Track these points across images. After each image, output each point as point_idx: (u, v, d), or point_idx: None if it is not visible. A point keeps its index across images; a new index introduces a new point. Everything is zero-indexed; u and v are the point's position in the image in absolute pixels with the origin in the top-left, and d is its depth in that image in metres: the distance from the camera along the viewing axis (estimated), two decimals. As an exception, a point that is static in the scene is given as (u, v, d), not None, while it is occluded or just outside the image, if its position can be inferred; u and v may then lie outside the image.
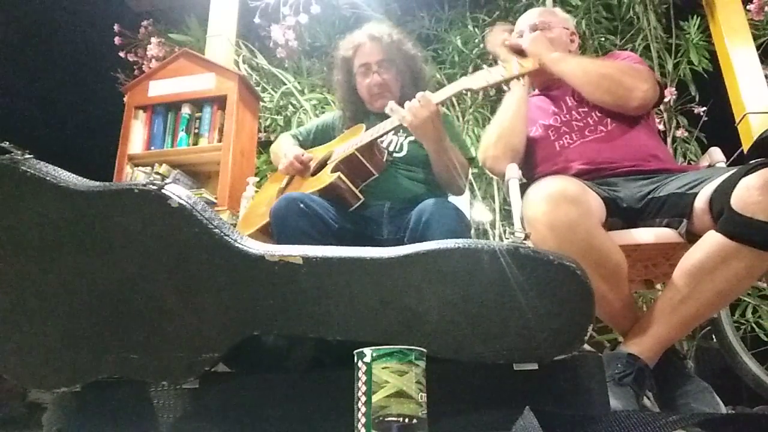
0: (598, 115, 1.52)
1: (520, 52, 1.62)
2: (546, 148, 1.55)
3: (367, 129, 1.66)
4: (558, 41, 1.65)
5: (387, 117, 1.77)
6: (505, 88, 1.45)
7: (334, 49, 1.90)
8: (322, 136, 1.85)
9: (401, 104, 1.75)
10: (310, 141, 1.86)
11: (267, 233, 1.56)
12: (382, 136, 1.58)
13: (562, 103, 1.59)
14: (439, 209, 1.38)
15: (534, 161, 1.57)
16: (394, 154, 1.68)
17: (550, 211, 1.15)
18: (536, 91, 1.74)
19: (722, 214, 1.09)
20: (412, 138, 1.71)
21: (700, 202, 1.18)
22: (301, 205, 1.41)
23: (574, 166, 1.44)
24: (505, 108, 1.60)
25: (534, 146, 1.58)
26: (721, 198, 1.10)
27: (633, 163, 1.40)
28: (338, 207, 1.52)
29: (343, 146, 1.64)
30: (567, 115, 1.56)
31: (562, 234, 1.13)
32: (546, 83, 1.69)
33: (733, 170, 1.13)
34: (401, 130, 1.67)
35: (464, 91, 1.47)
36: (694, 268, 1.11)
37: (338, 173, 1.53)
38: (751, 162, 1.10)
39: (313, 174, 1.66)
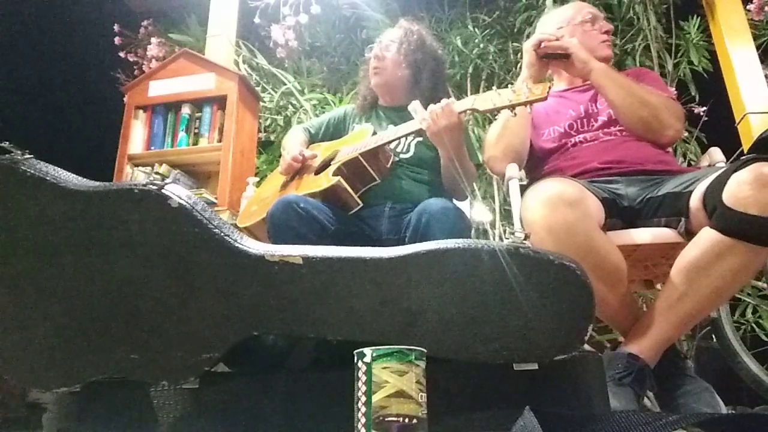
0: (614, 124, 1.50)
1: (555, 55, 1.54)
2: (558, 150, 1.54)
3: (372, 125, 1.65)
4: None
5: (392, 111, 1.78)
6: (510, 113, 1.39)
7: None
8: (334, 129, 1.86)
9: (391, 88, 1.77)
10: (320, 135, 1.87)
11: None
12: (388, 143, 1.58)
13: (582, 106, 1.57)
14: (440, 209, 1.38)
15: (545, 163, 1.55)
16: (401, 155, 1.68)
17: (548, 214, 1.15)
18: (560, 90, 1.69)
19: (716, 211, 1.09)
20: (420, 139, 1.71)
21: (695, 199, 1.19)
22: (297, 208, 1.41)
23: (582, 166, 1.43)
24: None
25: (547, 149, 1.56)
26: (713, 194, 1.11)
27: (640, 163, 1.40)
28: (336, 209, 1.52)
29: (349, 147, 1.63)
30: (584, 120, 1.54)
31: (561, 237, 1.13)
32: (574, 81, 1.66)
33: (725, 167, 1.13)
34: (409, 136, 1.67)
35: (469, 111, 1.44)
36: (689, 266, 1.11)
37: (339, 177, 1.52)
38: (742, 158, 1.11)
39: (317, 172, 1.66)
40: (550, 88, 1.33)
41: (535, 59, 1.54)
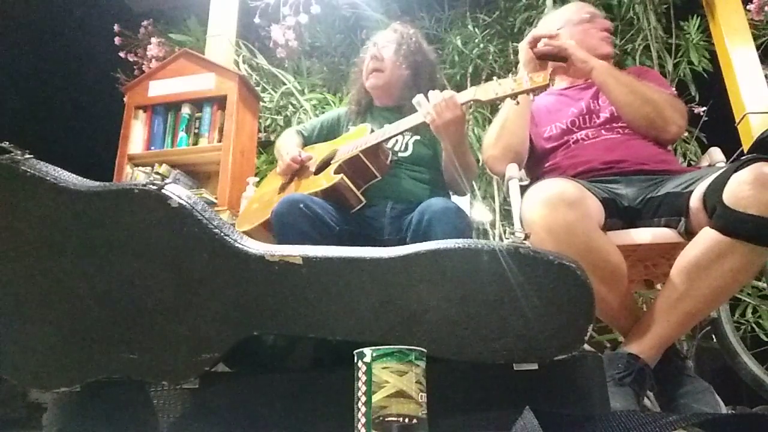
0: (616, 122, 1.50)
1: (549, 57, 1.53)
2: (559, 147, 1.54)
3: (369, 124, 1.65)
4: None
5: (388, 111, 1.78)
6: (512, 101, 1.39)
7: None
8: (328, 132, 1.86)
9: (389, 89, 1.76)
10: (314, 137, 1.86)
11: (268, 228, 1.56)
12: (388, 139, 1.58)
13: (583, 103, 1.57)
14: (441, 209, 1.38)
15: (546, 160, 1.55)
16: (399, 154, 1.68)
17: (548, 214, 1.15)
18: (561, 88, 1.69)
19: (716, 210, 1.09)
20: (417, 137, 1.71)
21: (695, 199, 1.19)
22: (302, 207, 1.41)
23: (583, 165, 1.43)
24: (506, 108, 1.57)
25: (548, 146, 1.56)
26: (713, 194, 1.11)
27: (641, 163, 1.40)
28: (339, 208, 1.52)
29: (347, 146, 1.63)
30: (586, 117, 1.54)
31: (560, 237, 1.13)
32: (575, 81, 1.66)
33: (725, 167, 1.13)
34: (406, 133, 1.67)
35: (471, 102, 1.44)
36: (690, 265, 1.11)
37: (341, 175, 1.52)
38: (742, 158, 1.11)
39: (317, 172, 1.66)
40: (552, 78, 1.32)
41: (531, 57, 1.54)
